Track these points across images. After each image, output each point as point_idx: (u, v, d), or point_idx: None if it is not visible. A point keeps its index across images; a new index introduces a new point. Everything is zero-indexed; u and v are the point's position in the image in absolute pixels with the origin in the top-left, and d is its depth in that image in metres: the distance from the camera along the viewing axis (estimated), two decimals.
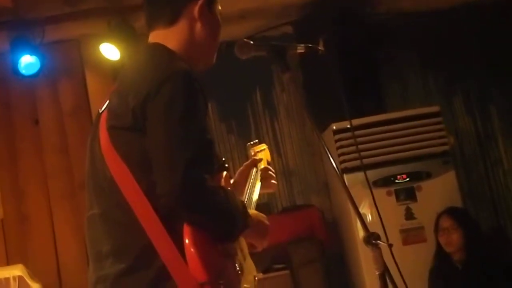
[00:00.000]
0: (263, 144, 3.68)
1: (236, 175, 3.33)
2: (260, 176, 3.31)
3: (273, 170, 3.43)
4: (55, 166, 6.12)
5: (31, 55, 5.83)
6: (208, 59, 2.79)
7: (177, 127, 2.30)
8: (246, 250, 2.74)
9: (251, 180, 3.22)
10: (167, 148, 2.29)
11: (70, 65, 6.29)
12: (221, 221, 2.38)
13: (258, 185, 3.24)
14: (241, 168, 3.37)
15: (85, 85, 6.27)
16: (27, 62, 5.85)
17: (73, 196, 6.01)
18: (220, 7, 2.80)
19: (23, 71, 5.87)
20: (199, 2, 2.67)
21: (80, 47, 6.30)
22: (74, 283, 5.85)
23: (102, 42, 5.90)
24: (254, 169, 3.32)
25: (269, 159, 3.60)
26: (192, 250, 2.25)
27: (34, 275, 5.60)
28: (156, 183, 2.28)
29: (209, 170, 2.37)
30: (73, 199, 6.00)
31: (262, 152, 3.57)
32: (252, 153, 3.56)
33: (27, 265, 5.61)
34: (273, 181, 3.39)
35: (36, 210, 6.05)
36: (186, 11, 2.67)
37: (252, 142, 3.67)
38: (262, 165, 3.42)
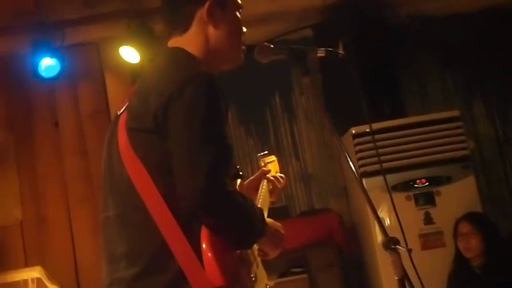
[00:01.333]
0: (273, 156, 3.68)
1: (246, 183, 3.31)
2: (270, 187, 3.30)
3: (282, 176, 3.40)
4: (74, 168, 6.14)
5: (51, 57, 5.86)
6: (233, 59, 2.77)
7: (199, 130, 2.30)
8: (258, 258, 2.73)
9: (262, 191, 3.20)
10: (189, 151, 2.28)
11: (89, 68, 6.31)
12: (239, 227, 2.37)
13: (268, 197, 3.23)
14: (251, 177, 3.35)
15: (104, 88, 6.28)
16: (48, 64, 5.87)
17: (91, 199, 6.01)
18: (240, 2, 2.77)
19: (43, 73, 5.89)
20: (206, 5, 2.64)
21: (99, 50, 6.32)
22: (92, 285, 5.85)
23: (122, 45, 5.91)
24: (265, 182, 3.31)
25: (278, 171, 3.59)
26: (209, 254, 2.24)
27: (52, 277, 5.62)
28: (176, 186, 2.27)
29: (229, 175, 2.37)
30: (92, 201, 6.00)
31: (271, 164, 3.58)
32: (262, 164, 3.56)
33: (45, 267, 5.63)
34: (279, 187, 3.35)
35: (55, 213, 6.07)
36: (195, 16, 2.65)
37: (262, 154, 3.67)
38: (271, 174, 3.42)
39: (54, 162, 6.15)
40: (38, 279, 5.47)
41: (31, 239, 6.02)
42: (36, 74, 5.88)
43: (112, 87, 6.27)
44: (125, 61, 5.97)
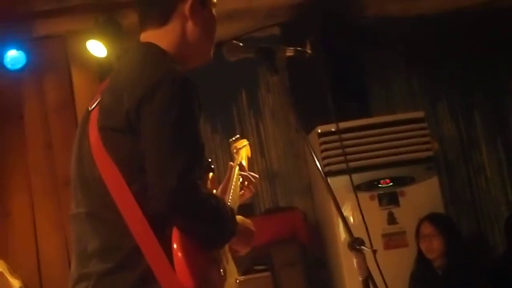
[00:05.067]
0: (244, 140, 3.69)
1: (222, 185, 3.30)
2: (241, 179, 3.30)
3: (254, 175, 3.40)
4: (39, 162, 6.09)
5: (17, 49, 5.82)
6: (204, 56, 2.76)
7: (172, 132, 2.29)
8: (228, 253, 2.73)
9: (234, 178, 3.20)
10: (162, 152, 2.27)
11: (56, 61, 6.25)
12: (211, 228, 2.37)
13: (239, 185, 3.23)
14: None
15: (70, 82, 6.23)
16: (13, 56, 5.83)
17: (55, 193, 5.97)
18: (215, 0, 2.77)
19: (9, 65, 5.85)
20: (190, 0, 2.63)
21: (66, 43, 6.26)
22: (54, 280, 5.82)
23: (89, 39, 5.87)
24: (237, 168, 3.30)
25: (249, 155, 3.60)
26: (179, 254, 2.23)
27: (14, 271, 5.58)
28: (148, 186, 2.27)
29: (201, 175, 2.37)
30: (56, 195, 5.96)
31: (243, 148, 3.57)
32: (234, 150, 3.56)
33: (7, 260, 5.59)
34: (251, 187, 3.35)
35: (18, 206, 6.01)
36: (176, 11, 2.63)
37: (233, 138, 3.68)
38: (243, 160, 3.42)
39: (18, 155, 6.09)
40: (0, 273, 5.43)
41: None
42: (1, 66, 5.84)
43: (78, 81, 6.22)
44: (92, 55, 5.94)
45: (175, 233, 2.27)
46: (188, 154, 2.29)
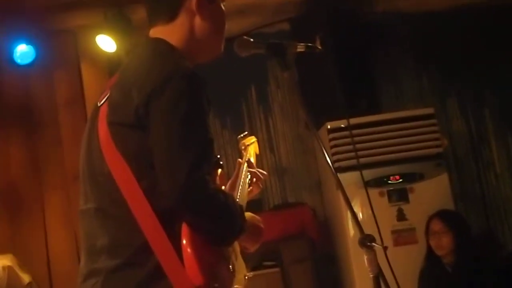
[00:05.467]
0: (253, 137, 3.68)
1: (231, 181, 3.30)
2: (249, 177, 3.29)
3: (262, 172, 3.39)
4: (48, 156, 6.10)
5: (26, 44, 5.82)
6: (214, 51, 2.76)
7: (181, 127, 2.29)
8: (237, 249, 2.72)
9: (243, 175, 3.20)
10: (171, 148, 2.27)
11: (65, 56, 6.26)
12: (220, 225, 2.36)
13: (248, 181, 3.22)
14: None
15: (80, 77, 6.24)
16: (23, 51, 5.84)
17: (65, 188, 5.98)
18: None
19: (18, 60, 5.85)
20: None
21: (76, 38, 6.27)
22: (63, 274, 5.83)
23: (98, 33, 5.88)
24: (245, 164, 3.30)
25: (258, 152, 3.59)
26: (189, 250, 2.23)
27: (24, 265, 5.60)
28: (158, 182, 2.27)
29: (210, 171, 2.37)
30: (65, 190, 5.97)
31: (251, 145, 3.57)
32: (242, 146, 3.56)
33: (16, 255, 5.60)
34: (259, 183, 3.35)
35: (28, 201, 6.03)
36: (184, 6, 2.63)
37: (242, 135, 3.67)
38: (251, 157, 3.42)
39: (28, 150, 6.10)
40: (9, 267, 5.44)
41: (4, 227, 5.98)
42: (11, 61, 5.85)
43: (88, 76, 6.22)
44: (102, 50, 5.95)
45: (185, 229, 2.26)
46: (197, 150, 2.29)
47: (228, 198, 2.42)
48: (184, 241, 2.24)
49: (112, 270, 2.35)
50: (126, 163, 2.35)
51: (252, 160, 3.42)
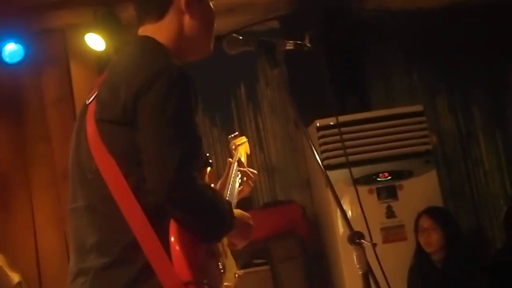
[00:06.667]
0: (243, 137, 3.69)
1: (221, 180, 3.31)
2: (240, 175, 3.30)
3: (253, 171, 3.41)
4: (38, 155, 6.09)
5: (15, 43, 5.81)
6: (203, 49, 2.76)
7: (169, 124, 2.29)
8: (227, 247, 2.73)
9: (233, 173, 3.21)
10: (159, 145, 2.28)
11: (54, 55, 6.25)
12: (208, 221, 2.36)
13: (238, 180, 3.24)
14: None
15: (69, 75, 6.23)
16: (11, 50, 5.82)
17: (54, 186, 5.97)
18: None
19: (7, 59, 5.84)
20: None
21: (65, 36, 6.26)
22: (53, 273, 5.82)
23: (88, 32, 5.87)
24: (235, 163, 3.31)
25: (248, 152, 3.61)
26: (177, 248, 2.24)
27: (13, 265, 5.58)
28: (145, 179, 2.27)
29: (198, 168, 2.37)
30: (55, 189, 5.96)
31: (242, 145, 3.58)
32: (233, 146, 3.56)
33: (6, 254, 5.59)
34: (250, 182, 3.37)
35: (17, 200, 6.02)
36: (172, 4, 2.62)
37: (232, 135, 3.68)
38: (242, 157, 3.42)
39: (17, 148, 6.09)
40: None
41: None
42: None
43: (77, 74, 6.21)
44: (91, 49, 5.94)
45: (173, 226, 2.27)
46: (185, 146, 2.29)
47: (216, 194, 2.43)
48: (172, 238, 2.25)
49: (101, 268, 2.35)
50: (113, 160, 2.35)
51: (243, 159, 3.43)
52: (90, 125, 2.45)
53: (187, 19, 2.64)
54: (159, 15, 2.63)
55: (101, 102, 2.46)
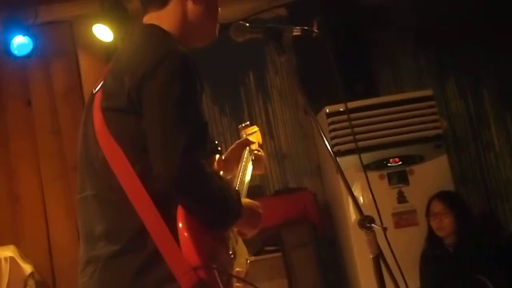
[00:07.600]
0: (255, 126, 3.68)
1: (227, 152, 3.32)
2: (252, 158, 3.30)
3: (263, 154, 3.41)
4: (47, 147, 6.10)
5: (23, 35, 5.82)
6: (208, 35, 2.76)
7: (174, 110, 2.29)
8: (237, 233, 2.72)
9: (243, 162, 3.20)
10: (164, 131, 2.27)
11: (62, 46, 6.26)
12: (214, 208, 2.36)
13: (250, 167, 3.23)
14: (233, 146, 3.36)
15: (77, 66, 6.24)
16: (20, 42, 5.83)
17: (65, 177, 5.99)
18: None
19: (16, 51, 5.85)
20: None
21: (72, 28, 6.27)
22: (65, 264, 5.84)
23: (95, 23, 5.88)
24: (247, 151, 3.30)
25: (260, 141, 3.59)
26: (185, 234, 2.24)
27: (26, 256, 5.61)
28: (152, 166, 2.27)
29: (205, 154, 2.37)
30: (65, 180, 5.98)
31: (253, 135, 3.56)
32: (244, 136, 3.55)
33: (18, 246, 5.62)
34: (263, 164, 3.37)
35: (28, 191, 6.04)
36: None
37: (243, 124, 3.67)
38: (254, 146, 3.42)
39: (27, 140, 6.11)
40: (11, 258, 5.46)
41: (4, 217, 5.99)
42: (8, 52, 5.84)
43: (85, 66, 6.22)
44: (99, 40, 5.95)
45: (180, 212, 2.27)
46: (191, 131, 2.29)
47: (223, 181, 2.42)
48: (180, 224, 2.26)
49: (110, 256, 2.36)
50: (120, 147, 2.36)
51: (254, 147, 3.42)
52: (96, 114, 2.46)
53: (190, 4, 2.64)
54: (163, 2, 2.64)
55: (106, 91, 2.47)
